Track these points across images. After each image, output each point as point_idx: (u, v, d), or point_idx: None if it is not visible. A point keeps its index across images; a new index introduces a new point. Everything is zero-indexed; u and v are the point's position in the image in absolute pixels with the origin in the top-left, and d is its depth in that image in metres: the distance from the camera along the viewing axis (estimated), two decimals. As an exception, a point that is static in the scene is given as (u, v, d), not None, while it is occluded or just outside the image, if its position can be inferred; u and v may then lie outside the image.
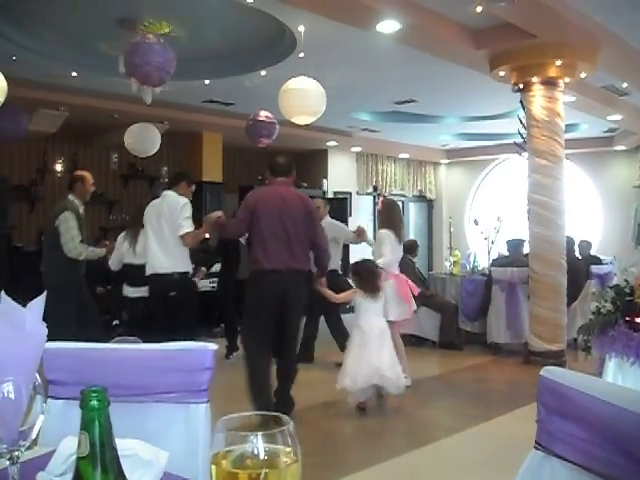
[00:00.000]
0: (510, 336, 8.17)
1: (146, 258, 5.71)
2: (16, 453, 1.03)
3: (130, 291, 6.42)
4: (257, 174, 12.86)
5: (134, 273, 6.26)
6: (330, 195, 12.81)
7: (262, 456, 0.79)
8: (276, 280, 5.05)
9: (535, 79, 7.42)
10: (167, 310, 5.49)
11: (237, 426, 0.83)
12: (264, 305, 5.09)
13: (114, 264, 6.46)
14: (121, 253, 6.40)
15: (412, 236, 13.85)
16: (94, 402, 0.78)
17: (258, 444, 0.79)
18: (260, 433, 0.79)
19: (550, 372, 1.34)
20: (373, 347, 5.47)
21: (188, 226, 5.48)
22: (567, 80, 7.48)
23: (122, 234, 6.53)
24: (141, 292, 6.21)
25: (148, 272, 5.66)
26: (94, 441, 0.77)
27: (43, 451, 1.35)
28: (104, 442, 0.78)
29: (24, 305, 1.05)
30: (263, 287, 5.10)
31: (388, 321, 5.84)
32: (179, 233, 5.49)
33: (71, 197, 6.29)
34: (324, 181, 12.99)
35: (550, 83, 7.43)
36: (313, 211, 5.43)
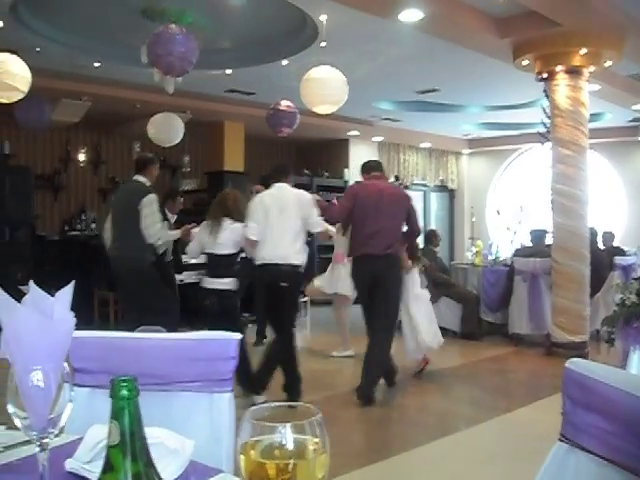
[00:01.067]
0: (532, 327, 8.13)
1: (261, 247, 5.48)
2: (45, 440, 1.04)
3: (210, 282, 5.89)
4: (278, 163, 12.87)
5: (215, 263, 5.89)
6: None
7: (290, 447, 0.80)
8: (370, 264, 5.57)
9: (559, 68, 7.34)
10: (273, 300, 5.53)
11: (265, 416, 0.83)
12: (361, 288, 5.78)
13: (193, 253, 6.12)
14: (202, 242, 5.98)
15: (433, 226, 13.81)
16: (124, 391, 0.78)
17: (287, 435, 0.80)
18: (289, 424, 0.80)
19: (575, 364, 1.33)
20: (431, 310, 6.50)
21: (323, 223, 5.63)
22: (592, 69, 7.39)
23: (203, 223, 6.06)
24: (224, 284, 5.81)
25: (260, 261, 5.49)
26: (124, 430, 0.78)
27: (70, 438, 1.37)
28: (134, 431, 0.79)
29: (49, 293, 1.06)
30: (360, 271, 5.70)
31: (340, 295, 7.03)
32: (316, 229, 5.57)
33: (142, 179, 6.09)
34: (345, 171, 12.99)
35: (575, 72, 7.35)
36: (409, 200, 5.95)
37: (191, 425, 1.61)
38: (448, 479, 4.03)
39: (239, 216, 5.70)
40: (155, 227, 5.85)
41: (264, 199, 5.58)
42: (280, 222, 5.41)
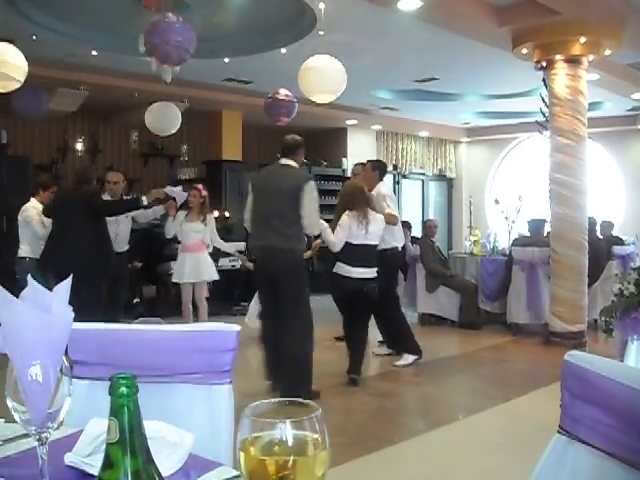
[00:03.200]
0: (530, 316, 8.14)
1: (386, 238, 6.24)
2: (44, 434, 1.04)
3: (359, 272, 5.79)
4: (276, 152, 12.85)
5: (367, 253, 5.83)
6: (350, 174, 12.77)
7: (290, 443, 0.79)
8: None
9: (558, 57, 7.32)
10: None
11: (265, 412, 0.83)
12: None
13: (341, 244, 5.80)
14: (352, 233, 5.79)
15: (432, 215, 13.81)
16: (123, 389, 0.78)
17: (286, 431, 0.79)
18: (288, 420, 0.79)
19: (574, 357, 1.34)
20: None
21: None
22: (591, 58, 7.37)
23: (350, 214, 5.79)
24: (373, 273, 5.85)
25: (397, 248, 6.59)
26: (123, 427, 0.78)
27: (69, 432, 1.37)
28: (133, 428, 0.78)
29: (49, 284, 1.06)
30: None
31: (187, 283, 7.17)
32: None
33: (293, 163, 5.57)
34: (344, 160, 12.97)
35: (574, 61, 7.33)
36: None
37: (190, 417, 1.61)
38: (447, 469, 4.04)
39: (374, 206, 5.96)
40: (316, 217, 5.41)
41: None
42: None
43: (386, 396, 5.60)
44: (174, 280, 7.34)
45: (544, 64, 7.49)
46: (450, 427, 4.82)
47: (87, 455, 1.21)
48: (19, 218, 6.89)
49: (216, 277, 7.44)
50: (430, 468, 4.05)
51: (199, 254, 7.23)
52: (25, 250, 6.89)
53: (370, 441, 4.52)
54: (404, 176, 14.23)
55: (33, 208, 6.82)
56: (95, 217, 6.07)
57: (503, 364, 6.90)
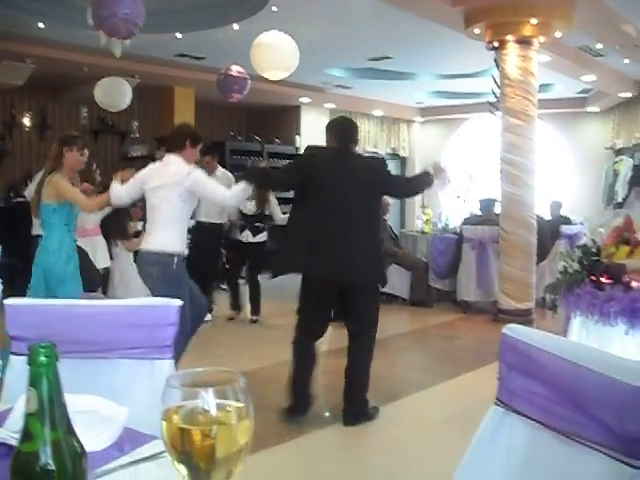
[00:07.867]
0: (480, 294, 8.25)
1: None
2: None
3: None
4: (229, 129, 12.75)
5: None
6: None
7: (213, 412, 0.79)
8: None
9: (510, 37, 7.36)
10: None
11: (190, 382, 0.82)
12: None
13: None
14: None
15: (385, 194, 13.85)
16: (42, 358, 0.76)
17: (209, 400, 0.79)
18: (211, 389, 0.79)
19: (512, 330, 1.36)
20: None
21: None
22: (542, 39, 7.43)
23: None
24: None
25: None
26: (42, 397, 0.76)
27: (2, 408, 1.34)
28: (53, 398, 0.77)
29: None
30: None
31: None
32: None
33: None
34: (297, 137, 12.92)
35: (525, 42, 7.38)
36: None
37: (132, 392, 1.60)
38: (397, 441, 4.09)
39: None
40: None
41: None
42: None
43: (335, 372, 5.61)
44: None
45: (496, 45, 7.53)
46: (400, 402, 4.88)
47: (18, 430, 1.18)
48: (183, 179, 4.37)
49: (109, 264, 6.94)
50: (380, 441, 4.11)
51: (97, 238, 6.83)
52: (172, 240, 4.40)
53: (318, 417, 4.55)
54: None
55: None
56: (379, 202, 4.70)
57: (452, 341, 7.00)
